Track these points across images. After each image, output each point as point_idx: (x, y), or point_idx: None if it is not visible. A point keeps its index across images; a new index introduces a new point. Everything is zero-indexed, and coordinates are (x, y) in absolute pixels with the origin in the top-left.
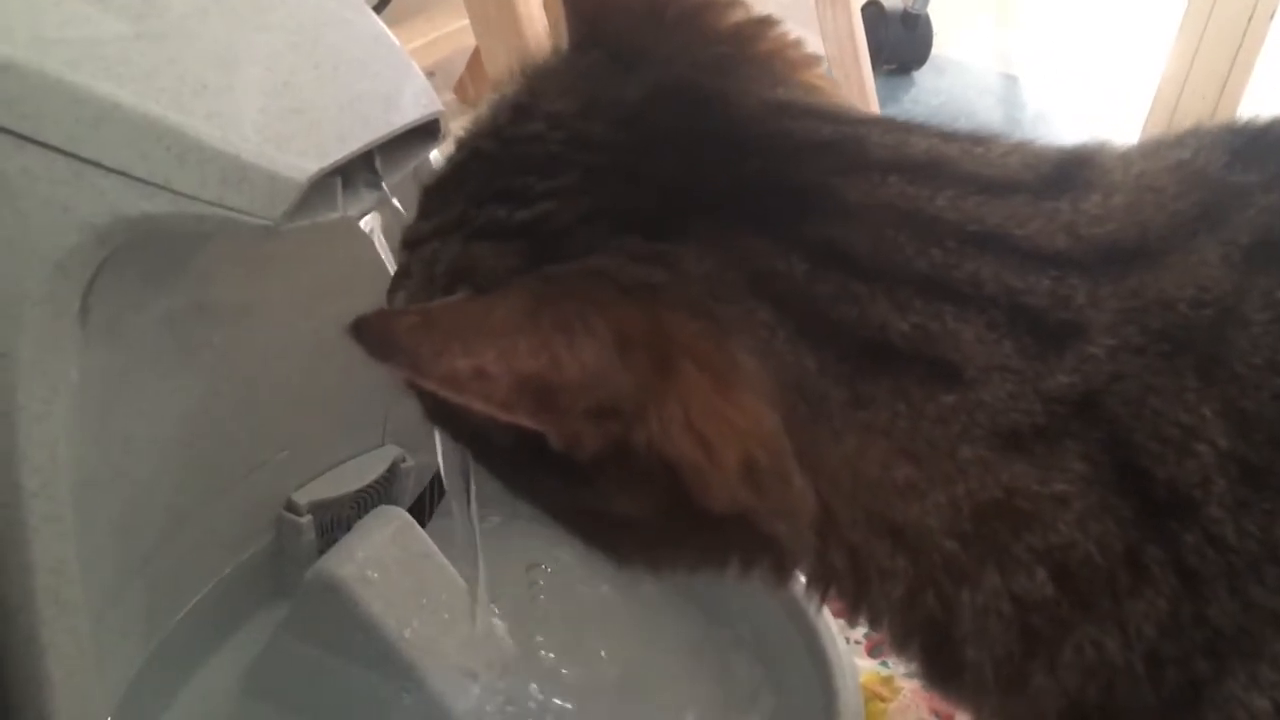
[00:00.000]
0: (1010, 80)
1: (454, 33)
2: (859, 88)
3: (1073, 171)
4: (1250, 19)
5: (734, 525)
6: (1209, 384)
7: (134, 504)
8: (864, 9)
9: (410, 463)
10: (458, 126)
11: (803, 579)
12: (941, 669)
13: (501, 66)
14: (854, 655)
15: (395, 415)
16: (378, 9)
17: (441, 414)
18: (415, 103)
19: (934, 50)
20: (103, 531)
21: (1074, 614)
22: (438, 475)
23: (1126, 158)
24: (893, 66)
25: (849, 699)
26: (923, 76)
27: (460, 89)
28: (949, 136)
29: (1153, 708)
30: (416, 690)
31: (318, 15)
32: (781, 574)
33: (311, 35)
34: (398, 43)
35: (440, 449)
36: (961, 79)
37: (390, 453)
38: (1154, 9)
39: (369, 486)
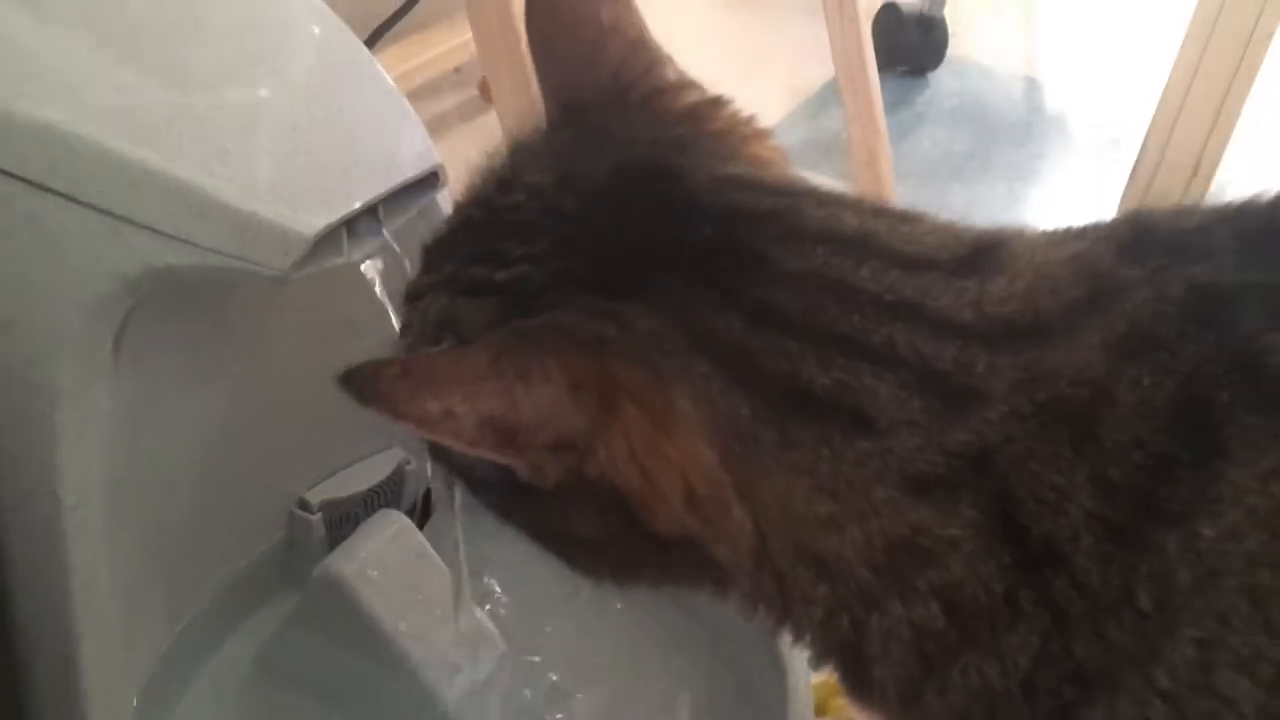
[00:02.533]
0: (1027, 82)
1: None
2: (865, 96)
3: (984, 255)
4: (1251, 36)
5: (683, 548)
6: (1081, 454)
7: (158, 507)
8: (880, 11)
9: (413, 465)
10: (483, 122)
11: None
12: (854, 683)
13: (504, 78)
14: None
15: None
16: (403, 11)
17: (436, 453)
18: (415, 159)
19: (950, 52)
20: (130, 532)
21: (961, 643)
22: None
23: (1033, 245)
24: (908, 68)
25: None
26: (938, 78)
27: (483, 87)
28: (879, 212)
29: None
30: (407, 677)
31: (330, 77)
32: (723, 594)
33: (323, 98)
34: (404, 101)
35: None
36: (976, 81)
37: (396, 456)
38: (1172, 11)
39: (376, 487)
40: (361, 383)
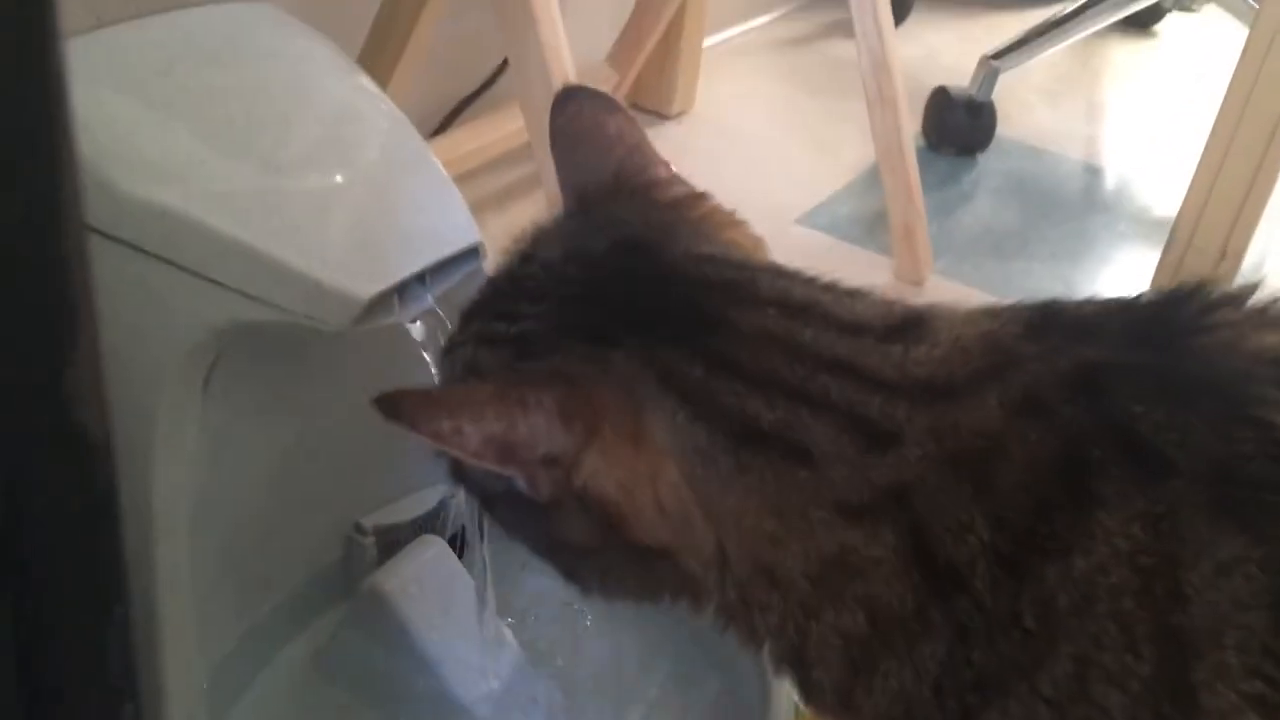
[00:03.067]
0: (1072, 164)
1: None
2: (903, 175)
3: (911, 326)
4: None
5: (659, 561)
6: (980, 494)
7: (233, 521)
8: (931, 94)
9: (456, 498)
10: None
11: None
12: (805, 688)
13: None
14: None
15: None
16: (482, 90)
17: (457, 474)
18: (458, 236)
19: (999, 134)
20: (207, 539)
21: (881, 650)
22: None
23: (952, 322)
24: (958, 149)
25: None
26: (986, 159)
27: None
28: (827, 287)
29: None
30: (435, 678)
31: (390, 166)
32: (697, 606)
33: (383, 184)
34: (452, 185)
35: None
36: (1022, 163)
37: (440, 491)
38: (1213, 102)
39: (421, 516)
40: (390, 404)
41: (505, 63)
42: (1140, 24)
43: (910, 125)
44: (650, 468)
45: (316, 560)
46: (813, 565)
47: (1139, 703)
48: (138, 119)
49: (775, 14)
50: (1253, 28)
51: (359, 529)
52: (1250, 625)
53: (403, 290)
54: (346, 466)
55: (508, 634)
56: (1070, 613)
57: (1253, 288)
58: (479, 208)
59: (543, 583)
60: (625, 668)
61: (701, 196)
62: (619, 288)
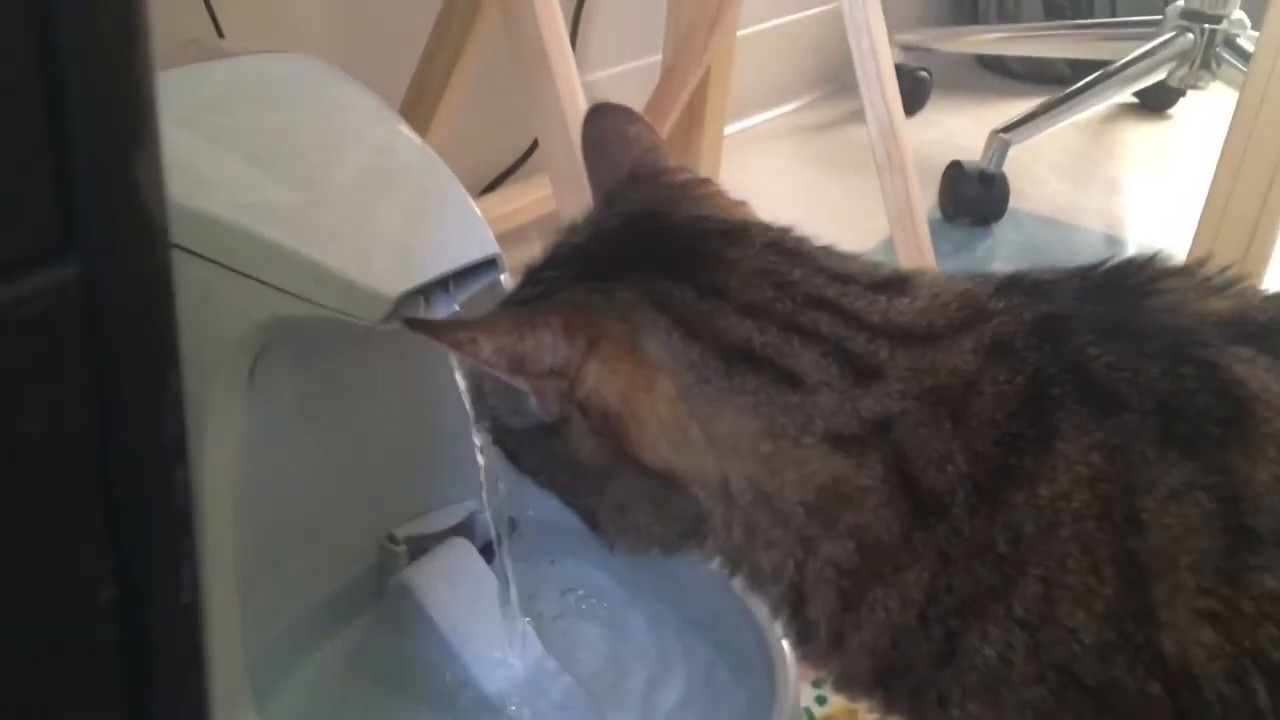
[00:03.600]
0: (1084, 233)
1: None
2: (914, 239)
3: (895, 281)
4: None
5: (672, 493)
6: (956, 428)
7: (275, 519)
8: (946, 169)
9: (484, 513)
10: None
11: (717, 562)
12: (800, 631)
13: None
14: (830, 693)
15: (471, 478)
16: (520, 163)
17: (498, 437)
18: (479, 247)
19: (1012, 205)
20: (252, 533)
21: (870, 579)
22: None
23: (934, 282)
24: (972, 219)
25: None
26: (1001, 229)
27: None
28: (818, 245)
29: (926, 656)
30: (461, 671)
31: (418, 187)
32: (707, 547)
33: (413, 203)
34: (473, 203)
35: (488, 508)
36: (1035, 231)
37: (469, 506)
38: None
39: (452, 527)
40: (420, 322)
41: (534, 145)
42: (1154, 106)
43: (923, 194)
44: (647, 380)
45: (352, 566)
46: (808, 494)
47: (1103, 623)
48: (194, 145)
49: (798, 103)
50: (1242, 90)
51: (392, 539)
52: (1202, 549)
53: (428, 295)
54: (381, 479)
55: (530, 631)
56: (1037, 537)
57: (1201, 261)
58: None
59: (564, 601)
60: (645, 671)
61: (708, 181)
62: (626, 244)
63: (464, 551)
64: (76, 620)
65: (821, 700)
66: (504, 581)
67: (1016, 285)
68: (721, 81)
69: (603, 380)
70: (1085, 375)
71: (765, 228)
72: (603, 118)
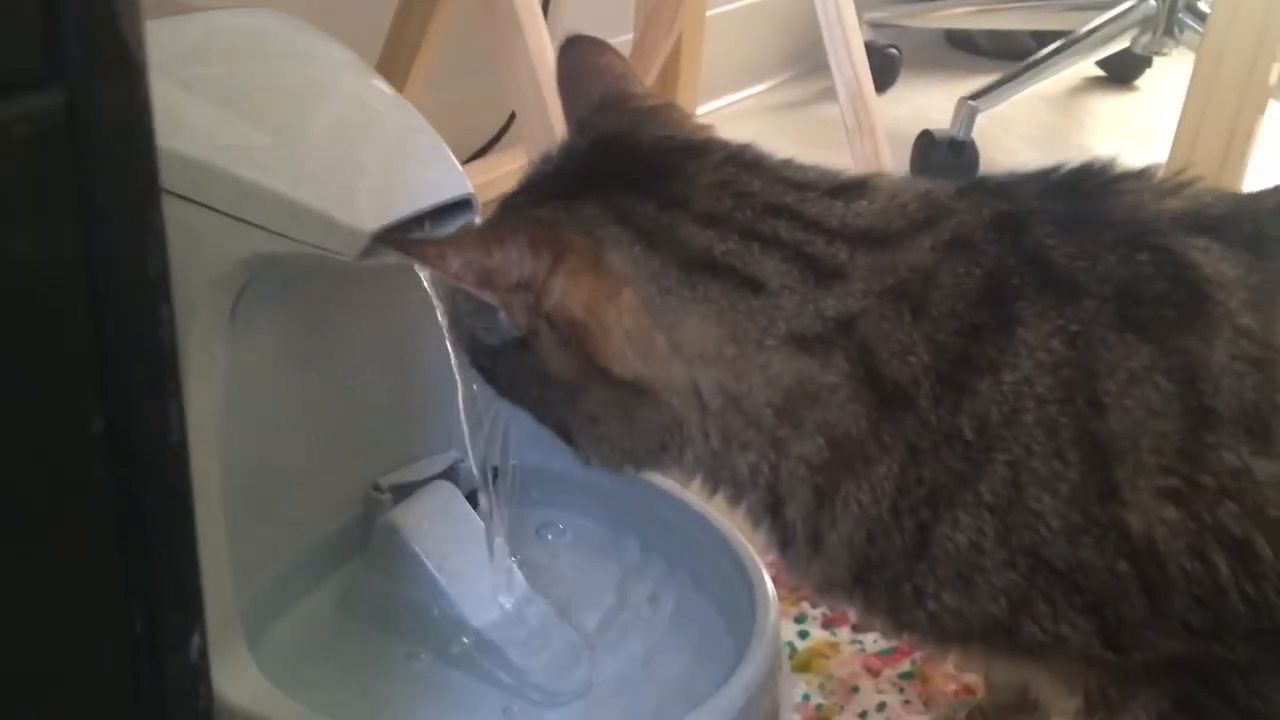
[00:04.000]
0: None
1: None
2: None
3: (853, 186)
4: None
5: (644, 402)
6: (917, 320)
7: (262, 462)
8: (917, 138)
9: (466, 462)
10: None
11: (698, 479)
12: (781, 537)
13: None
14: (812, 627)
15: (454, 428)
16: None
17: (469, 353)
18: (453, 185)
19: (982, 170)
20: (239, 476)
21: (841, 474)
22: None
23: (892, 184)
24: None
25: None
26: None
27: None
28: (777, 158)
29: (900, 549)
30: (448, 606)
31: (392, 130)
32: (683, 459)
33: (389, 145)
34: (447, 148)
35: (471, 452)
36: None
37: (451, 455)
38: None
39: (435, 476)
40: (393, 238)
41: (510, 120)
42: (1121, 78)
43: (895, 165)
44: (611, 291)
45: (339, 515)
46: (776, 395)
47: (1069, 505)
48: (170, 92)
49: (770, 83)
50: (1199, 52)
51: (377, 488)
52: (1163, 429)
53: (406, 232)
54: (366, 427)
55: (515, 569)
56: (1002, 423)
57: (1158, 166)
58: None
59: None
60: (629, 606)
61: (674, 105)
62: (593, 164)
63: (449, 494)
64: (70, 450)
65: (804, 635)
66: (490, 523)
67: (978, 187)
68: (693, 60)
69: (568, 292)
70: (1045, 265)
71: (725, 144)
72: (576, 50)
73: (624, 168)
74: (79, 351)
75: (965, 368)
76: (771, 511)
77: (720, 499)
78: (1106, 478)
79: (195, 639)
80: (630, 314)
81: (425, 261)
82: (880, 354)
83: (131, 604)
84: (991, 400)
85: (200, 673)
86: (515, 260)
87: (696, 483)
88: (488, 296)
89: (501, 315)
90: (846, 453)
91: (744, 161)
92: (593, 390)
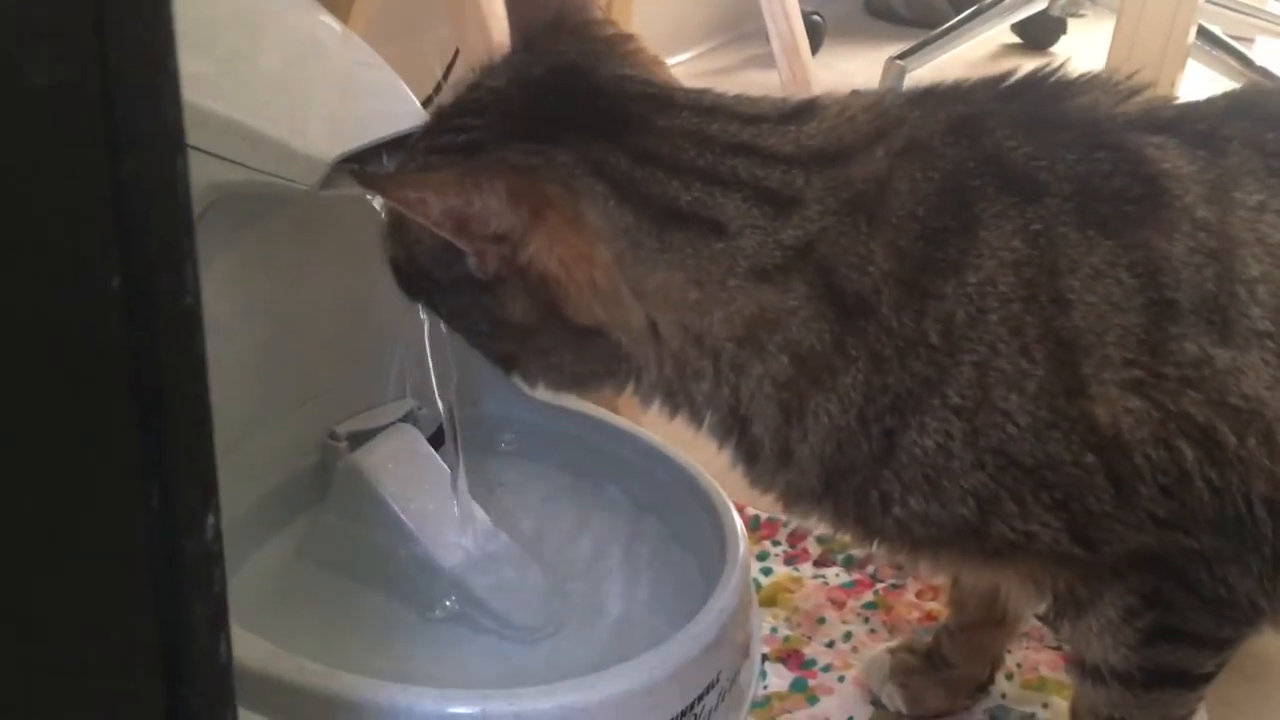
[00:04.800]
0: None
1: None
2: None
3: (803, 109)
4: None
5: (596, 338)
6: (875, 229)
7: (216, 405)
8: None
9: (424, 410)
10: None
11: (655, 405)
12: (747, 453)
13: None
14: (775, 564)
15: (413, 375)
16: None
17: (408, 277)
18: (409, 118)
19: None
20: None
21: (809, 388)
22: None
23: (841, 101)
24: None
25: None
26: None
27: None
28: (734, 96)
29: (868, 455)
30: (415, 547)
31: (349, 64)
32: (638, 384)
33: (342, 75)
34: (402, 83)
35: (437, 394)
36: None
37: (409, 403)
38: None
39: (394, 422)
40: (366, 176)
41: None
42: (1038, 44)
43: None
44: (589, 248)
45: (295, 461)
46: (736, 328)
47: (1036, 401)
48: None
49: (697, 50)
50: (1119, 12)
51: (333, 436)
52: (1126, 323)
53: (363, 162)
54: (323, 372)
55: (480, 511)
56: (968, 324)
57: (1113, 71)
58: None
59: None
60: (598, 545)
61: (632, 37)
62: (555, 99)
63: (412, 436)
64: (87, 305)
65: (767, 571)
66: (454, 466)
67: (930, 93)
68: (622, 26)
69: (546, 248)
70: (1004, 166)
71: (685, 92)
72: None
73: (591, 110)
74: (96, 198)
75: (928, 271)
76: (735, 431)
77: (681, 422)
78: (1073, 373)
79: (211, 519)
80: (602, 270)
81: (405, 206)
82: (839, 269)
83: (149, 479)
84: (957, 302)
85: (215, 555)
86: (495, 210)
87: (654, 407)
88: (462, 243)
89: (470, 259)
90: (812, 368)
91: (703, 107)
92: (549, 331)
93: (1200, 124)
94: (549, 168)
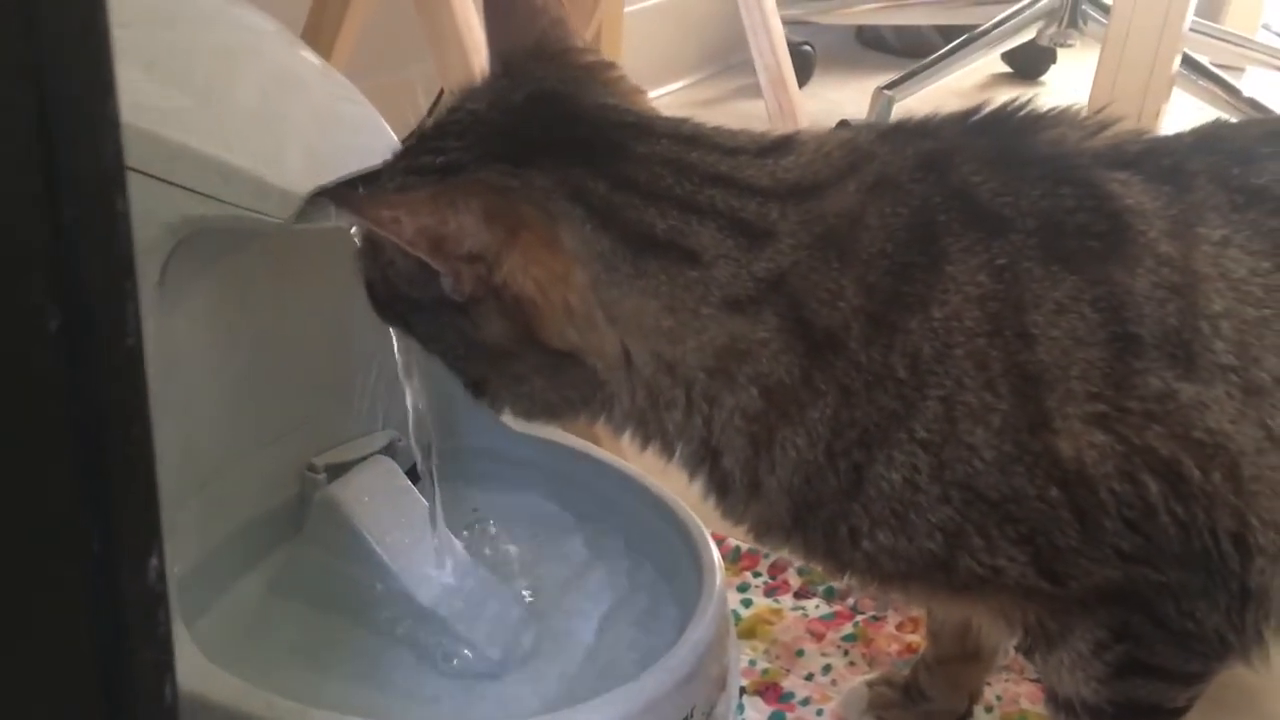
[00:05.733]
0: None
1: None
2: None
3: (781, 144)
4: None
5: (570, 365)
6: (845, 265)
7: (193, 438)
8: (834, 127)
9: (403, 442)
10: None
11: (626, 435)
12: (719, 485)
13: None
14: (755, 595)
15: (392, 407)
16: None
17: (382, 299)
18: (387, 153)
19: None
20: (168, 450)
21: (777, 420)
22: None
23: (818, 138)
24: None
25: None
26: None
27: None
28: (713, 128)
29: (836, 489)
30: (391, 581)
31: (325, 97)
32: (610, 414)
33: (320, 108)
34: (379, 115)
35: (412, 427)
36: None
37: (389, 434)
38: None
39: (372, 454)
40: (339, 195)
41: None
42: (1028, 74)
43: None
44: (564, 270)
45: (273, 494)
46: (708, 358)
47: (1001, 436)
48: None
49: (687, 80)
50: (1104, 42)
51: (311, 468)
52: (1090, 357)
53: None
54: (300, 403)
55: (458, 544)
56: (934, 359)
57: (1079, 105)
58: None
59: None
60: (575, 578)
61: (613, 64)
62: (534, 125)
63: (389, 468)
64: (27, 347)
65: (747, 603)
66: (431, 498)
67: (900, 129)
68: (611, 56)
69: (520, 269)
70: (970, 201)
71: (665, 120)
72: None
73: (570, 136)
74: (35, 240)
75: (896, 306)
76: (706, 462)
77: (652, 453)
78: (1037, 407)
79: (154, 561)
80: (577, 293)
81: (379, 226)
82: (809, 303)
83: (90, 524)
84: (923, 337)
85: (159, 597)
86: (470, 230)
87: (625, 437)
88: (437, 263)
89: (445, 279)
90: (781, 401)
91: (682, 136)
92: (523, 355)
93: (1166, 159)
94: (526, 189)
